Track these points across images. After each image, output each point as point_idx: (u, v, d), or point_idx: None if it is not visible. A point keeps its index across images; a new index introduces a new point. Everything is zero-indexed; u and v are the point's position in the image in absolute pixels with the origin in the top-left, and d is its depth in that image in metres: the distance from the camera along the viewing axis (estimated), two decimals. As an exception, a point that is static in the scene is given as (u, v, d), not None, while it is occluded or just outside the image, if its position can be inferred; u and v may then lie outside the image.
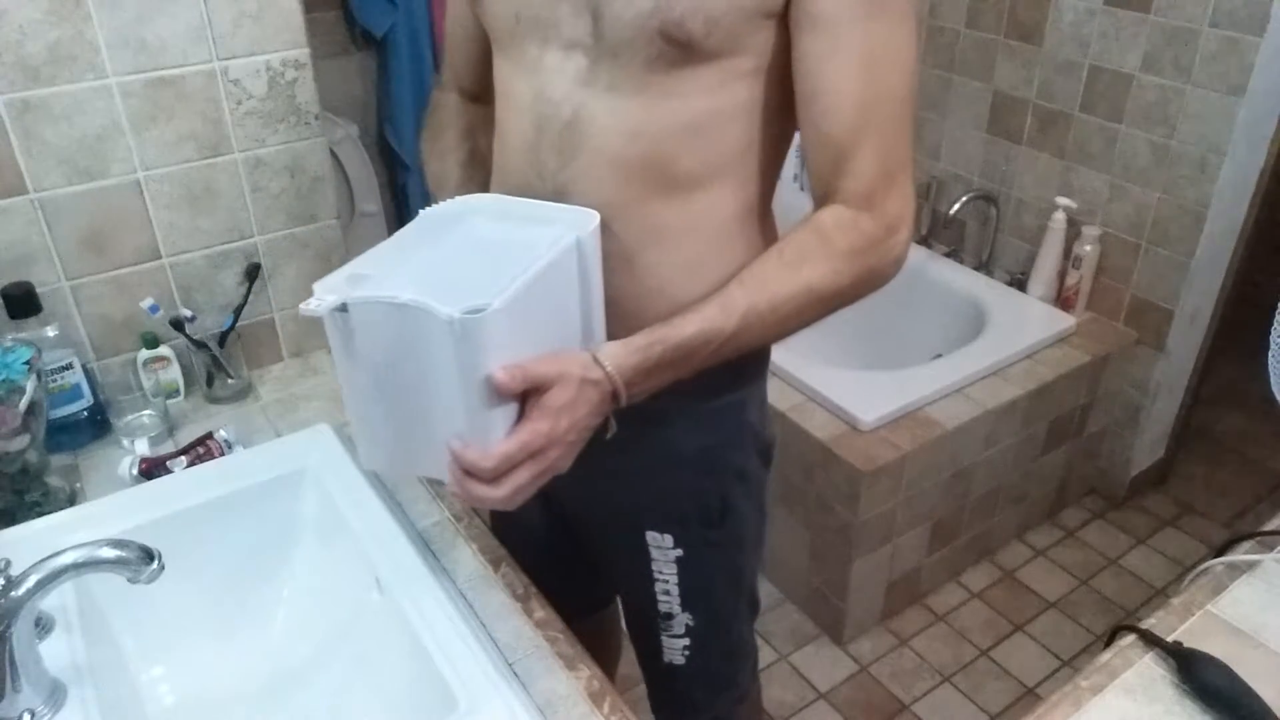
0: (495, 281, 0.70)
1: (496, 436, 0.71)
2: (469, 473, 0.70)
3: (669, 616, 1.02)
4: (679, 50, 0.75)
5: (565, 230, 0.77)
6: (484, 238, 0.80)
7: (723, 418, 0.94)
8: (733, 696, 1.11)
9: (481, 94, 1.00)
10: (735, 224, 0.85)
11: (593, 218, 0.79)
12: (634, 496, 0.97)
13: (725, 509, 0.97)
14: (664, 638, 1.04)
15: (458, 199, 0.85)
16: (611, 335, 0.90)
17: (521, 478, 0.71)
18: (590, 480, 0.99)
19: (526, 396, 0.72)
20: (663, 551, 0.98)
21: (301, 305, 0.71)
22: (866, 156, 0.77)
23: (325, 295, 0.71)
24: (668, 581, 1.00)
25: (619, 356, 0.75)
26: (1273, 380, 0.89)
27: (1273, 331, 0.88)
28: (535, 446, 0.71)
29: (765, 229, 0.88)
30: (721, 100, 0.79)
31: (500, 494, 0.70)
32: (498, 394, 0.69)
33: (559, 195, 0.83)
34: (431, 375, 0.71)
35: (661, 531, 0.97)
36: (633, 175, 0.81)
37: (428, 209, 0.85)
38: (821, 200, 0.80)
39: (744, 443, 0.97)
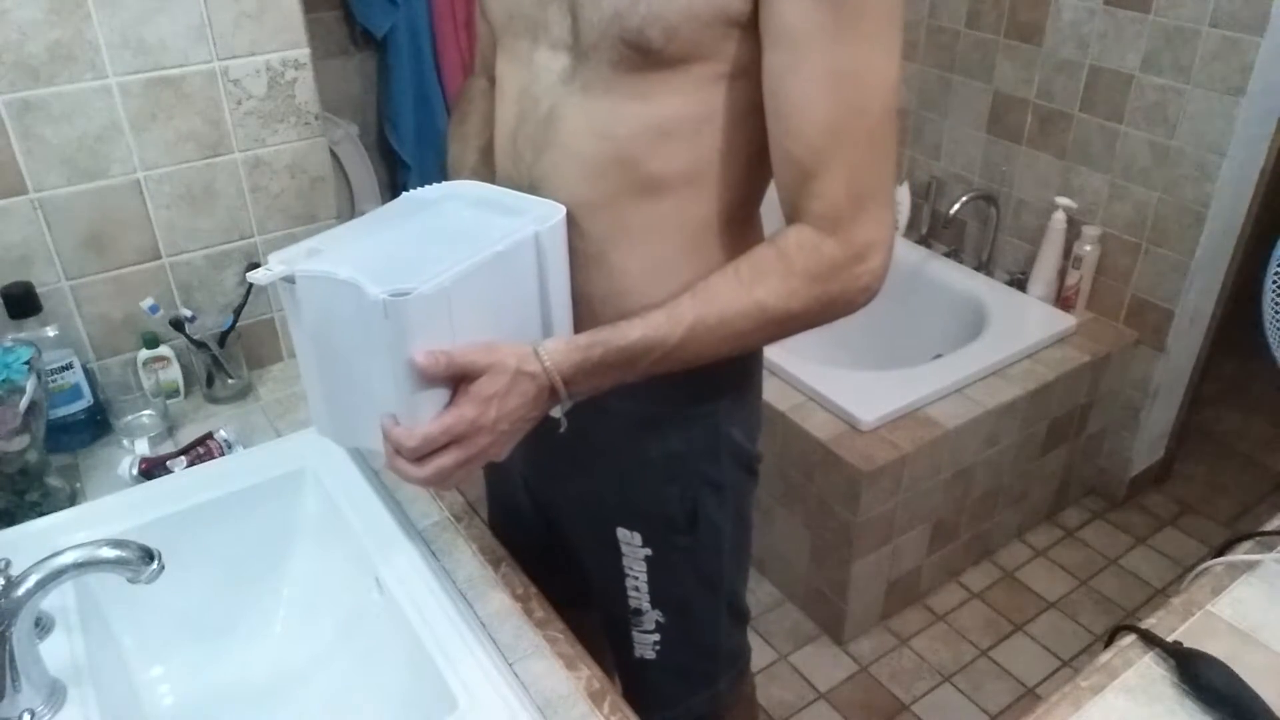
0: (440, 266, 0.70)
1: (424, 418, 0.72)
2: (398, 450, 0.72)
3: (639, 612, 1.02)
4: (641, 55, 0.75)
5: (528, 222, 0.77)
6: (451, 223, 0.81)
7: (695, 427, 0.93)
8: (709, 696, 1.10)
9: None
10: (711, 228, 0.84)
11: (558, 211, 0.79)
12: (605, 493, 0.97)
13: (695, 517, 0.96)
14: (634, 633, 1.04)
15: (442, 184, 0.86)
16: (581, 331, 0.90)
17: (445, 461, 0.72)
18: (564, 475, 1.00)
19: (460, 383, 0.72)
20: (632, 549, 0.98)
21: (249, 274, 0.73)
22: (832, 179, 0.74)
23: (276, 266, 0.73)
24: (637, 578, 1.00)
25: (559, 353, 0.75)
26: (1269, 336, 0.89)
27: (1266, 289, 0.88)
28: (458, 432, 0.71)
29: (746, 235, 0.87)
30: (692, 105, 0.78)
31: (423, 474, 0.72)
32: (423, 377, 0.70)
33: (533, 187, 0.84)
34: (367, 352, 0.72)
35: (630, 529, 0.97)
36: (601, 174, 0.81)
37: (410, 191, 0.86)
38: (790, 220, 0.78)
39: (718, 453, 0.95)
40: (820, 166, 0.74)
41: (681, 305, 0.76)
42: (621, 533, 0.97)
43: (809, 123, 0.73)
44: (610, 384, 0.78)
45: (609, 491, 0.97)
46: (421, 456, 0.72)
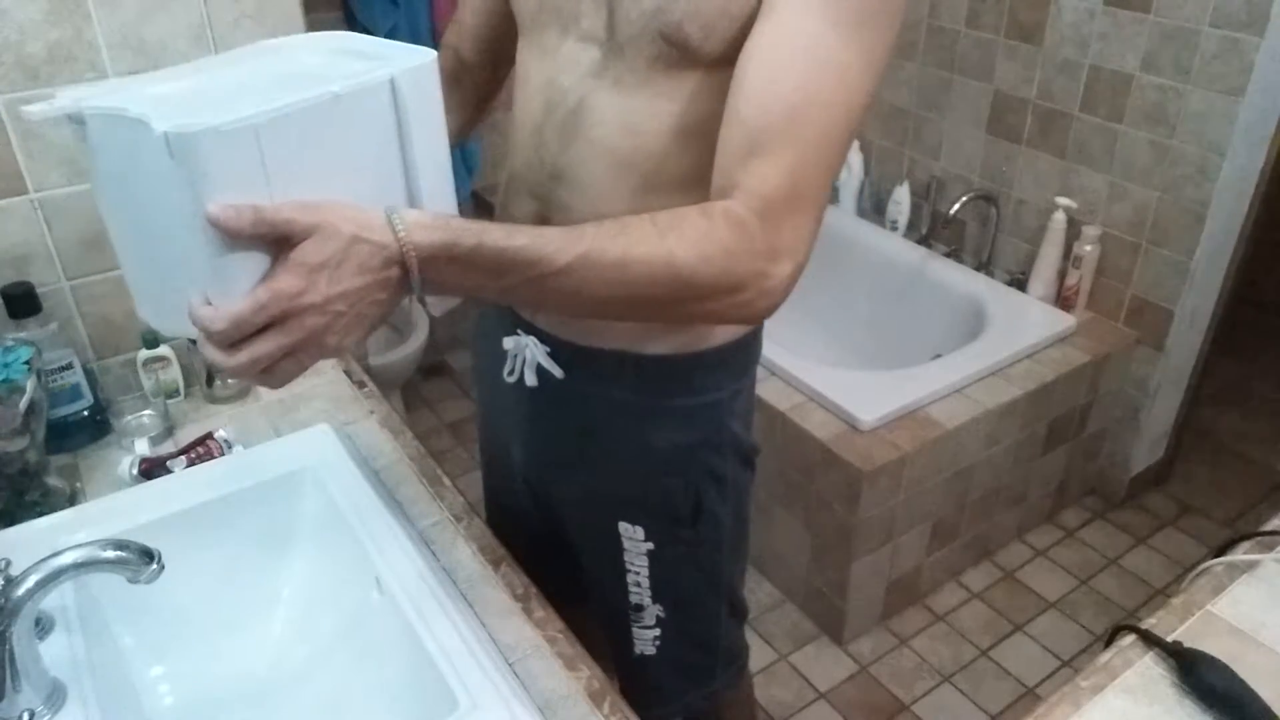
0: (256, 105, 0.59)
1: (236, 292, 0.59)
2: (207, 335, 0.61)
3: (639, 608, 1.02)
4: (679, 52, 0.76)
5: (383, 68, 0.65)
6: (298, 67, 0.68)
7: (700, 417, 0.94)
8: (706, 692, 1.11)
9: (474, 63, 1.00)
10: None
11: (425, 54, 0.67)
12: (608, 487, 0.97)
13: (698, 510, 0.97)
14: (635, 629, 1.04)
15: (306, 35, 0.76)
16: (592, 323, 0.89)
17: (263, 348, 0.60)
18: (565, 469, 1.00)
19: (281, 251, 0.61)
20: (634, 543, 0.98)
21: (25, 108, 0.60)
22: (777, 161, 0.70)
23: (62, 100, 0.60)
24: (639, 573, 1.00)
25: (421, 227, 0.63)
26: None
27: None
28: (277, 309, 0.59)
29: None
30: (719, 107, 0.77)
31: (236, 362, 0.60)
32: (225, 237, 0.58)
33: (556, 177, 0.84)
34: (165, 211, 0.59)
35: (633, 523, 0.97)
36: (627, 168, 0.81)
37: (265, 41, 0.75)
38: (718, 195, 0.73)
39: (722, 446, 0.96)
40: (770, 143, 0.70)
41: (583, 230, 0.68)
42: (623, 527, 0.97)
43: (773, 96, 0.70)
44: (470, 287, 0.68)
45: (611, 485, 0.97)
46: (235, 342, 0.60)
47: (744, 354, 0.96)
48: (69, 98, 0.60)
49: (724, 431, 0.95)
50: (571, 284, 0.68)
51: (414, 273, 0.63)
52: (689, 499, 0.96)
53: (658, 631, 1.04)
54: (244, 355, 0.60)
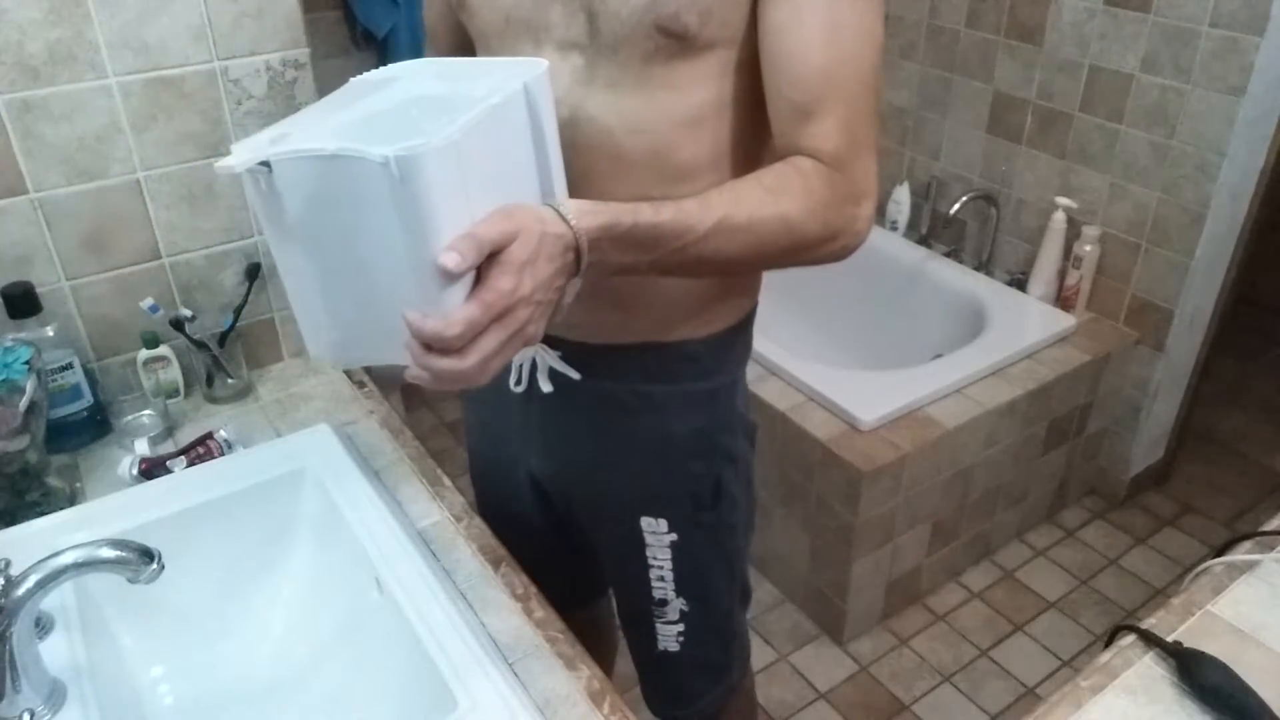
0: (434, 128, 0.61)
1: (455, 301, 0.62)
2: (430, 347, 0.63)
3: (663, 603, 1.03)
4: (677, 43, 0.76)
5: (509, 79, 0.71)
6: (419, 94, 0.73)
7: (713, 401, 0.96)
8: (725, 688, 1.12)
9: None
10: None
11: (539, 64, 0.73)
12: (628, 483, 0.98)
13: (718, 491, 0.98)
14: (658, 625, 1.05)
15: (392, 65, 0.79)
16: (613, 321, 0.91)
17: (489, 345, 0.63)
18: (585, 469, 1.00)
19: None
20: (657, 537, 0.99)
21: (217, 163, 0.63)
22: (831, 119, 0.76)
23: (244, 154, 0.63)
24: (662, 567, 1.01)
25: (584, 214, 0.69)
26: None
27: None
28: (500, 307, 0.63)
29: None
30: (721, 90, 0.79)
31: (468, 365, 0.63)
32: (448, 270, 0.61)
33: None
34: (373, 238, 0.63)
35: (656, 516, 0.98)
36: (634, 169, 0.81)
37: (358, 77, 0.78)
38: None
39: (734, 425, 0.99)
40: (819, 108, 0.76)
41: (711, 199, 0.75)
42: (646, 522, 0.99)
43: (808, 70, 0.76)
44: (627, 263, 0.74)
45: (633, 480, 0.98)
46: (460, 347, 0.63)
47: (746, 334, 0.98)
48: (245, 149, 0.63)
49: (734, 412, 0.98)
50: (710, 249, 0.75)
51: (585, 254, 0.69)
52: (710, 481, 0.98)
53: (681, 627, 1.05)
54: (474, 357, 0.63)
